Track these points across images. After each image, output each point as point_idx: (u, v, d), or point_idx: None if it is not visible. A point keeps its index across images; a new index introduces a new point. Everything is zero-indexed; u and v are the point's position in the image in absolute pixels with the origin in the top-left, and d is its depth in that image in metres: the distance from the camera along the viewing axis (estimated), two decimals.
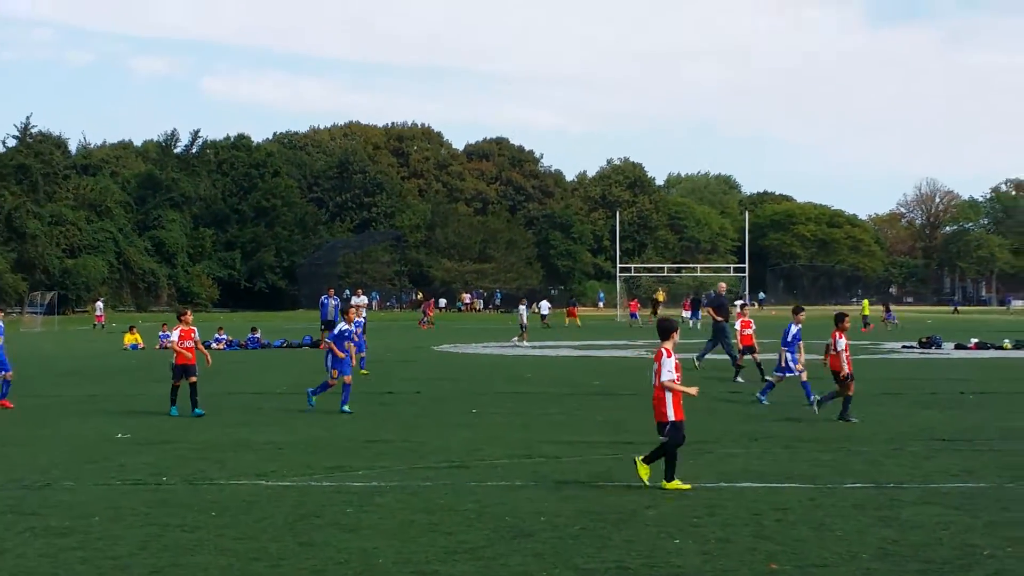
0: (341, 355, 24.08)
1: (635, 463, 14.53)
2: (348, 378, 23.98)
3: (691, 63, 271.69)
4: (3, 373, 25.19)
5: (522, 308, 58.63)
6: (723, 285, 38.79)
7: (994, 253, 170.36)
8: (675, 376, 14.55)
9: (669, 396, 14.50)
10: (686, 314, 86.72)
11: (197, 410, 23.16)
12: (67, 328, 79.25)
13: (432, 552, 11.09)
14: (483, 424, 21.62)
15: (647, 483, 14.39)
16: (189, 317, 24.29)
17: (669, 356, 14.57)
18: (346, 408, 23.36)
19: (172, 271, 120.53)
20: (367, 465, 16.45)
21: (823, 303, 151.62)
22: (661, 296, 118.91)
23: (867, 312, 76.73)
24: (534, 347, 50.43)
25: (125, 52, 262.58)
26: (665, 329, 15.21)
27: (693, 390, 14.80)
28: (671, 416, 14.47)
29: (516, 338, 54.17)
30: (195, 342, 23.92)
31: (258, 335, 52.15)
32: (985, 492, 14.40)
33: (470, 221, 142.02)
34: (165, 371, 36.09)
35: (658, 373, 14.51)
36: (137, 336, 52.80)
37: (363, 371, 33.36)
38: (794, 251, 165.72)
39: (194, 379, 23.48)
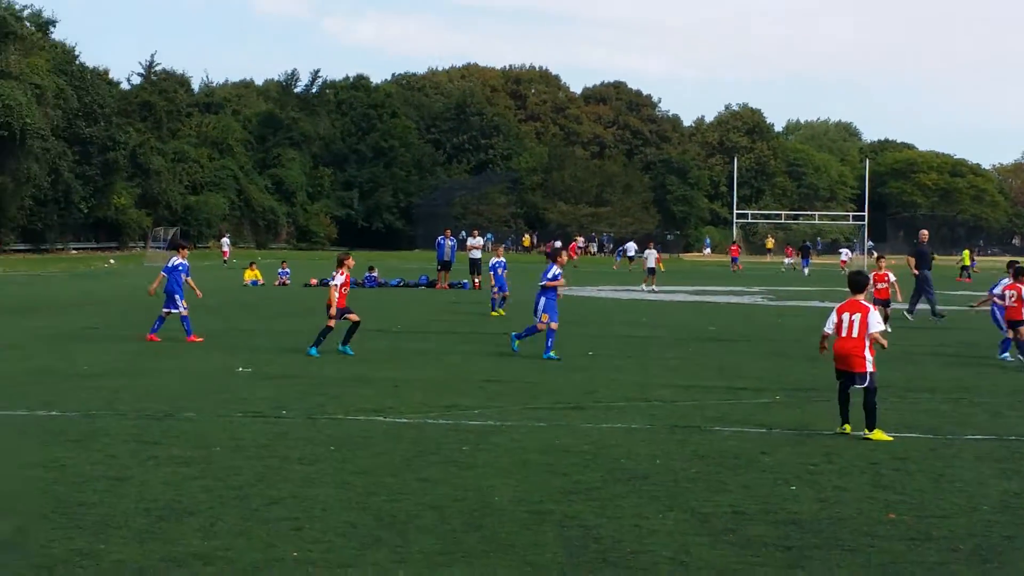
0: (560, 291, 23.45)
1: (868, 438, 14.23)
2: (555, 324, 23.10)
3: (812, 10, 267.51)
4: (175, 311, 25.66)
5: (648, 252, 57.65)
6: (925, 232, 37.55)
7: None
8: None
9: (867, 347, 14.48)
10: (788, 260, 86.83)
11: (347, 348, 23.08)
12: (189, 263, 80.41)
13: (547, 492, 11.14)
14: (599, 366, 21.62)
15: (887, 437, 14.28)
16: (351, 262, 23.94)
17: (875, 309, 14.81)
18: (552, 355, 22.63)
19: (291, 209, 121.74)
20: (482, 404, 16.55)
21: (944, 253, 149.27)
22: (770, 243, 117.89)
23: (967, 263, 75.62)
24: (651, 291, 50.21)
25: None
26: (859, 283, 15.21)
27: (886, 342, 15.18)
28: (870, 367, 14.43)
29: (644, 284, 53.30)
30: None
31: (375, 274, 52.50)
32: None
33: (587, 164, 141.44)
34: (284, 307, 36.71)
35: (864, 325, 14.42)
36: (257, 272, 53.46)
37: (499, 311, 33.55)
38: (915, 200, 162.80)
39: (356, 317, 23.28)
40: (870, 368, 14.39)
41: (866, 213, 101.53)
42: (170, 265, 26.15)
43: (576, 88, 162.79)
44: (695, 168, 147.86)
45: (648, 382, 19.36)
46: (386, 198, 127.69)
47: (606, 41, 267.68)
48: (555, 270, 23.63)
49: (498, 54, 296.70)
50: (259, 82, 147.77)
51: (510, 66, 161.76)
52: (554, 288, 23.37)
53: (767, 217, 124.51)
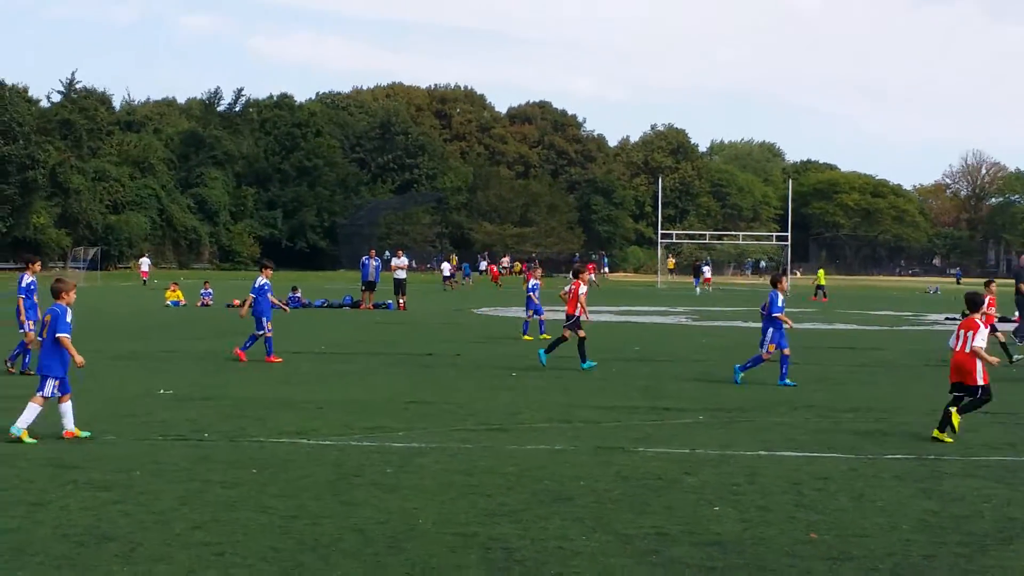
0: (789, 324, 22.91)
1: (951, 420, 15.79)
2: (787, 351, 22.71)
3: (737, 32, 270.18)
4: (262, 332, 25.96)
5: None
6: None
7: None
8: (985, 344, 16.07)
9: (979, 361, 15.73)
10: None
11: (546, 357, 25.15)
12: (109, 284, 79.73)
13: (472, 514, 11.11)
14: (523, 387, 21.63)
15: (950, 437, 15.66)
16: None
17: (987, 326, 16.20)
18: (787, 382, 22.27)
19: (214, 229, 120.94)
20: (407, 426, 16.48)
21: (865, 274, 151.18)
22: (671, 264, 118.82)
23: (822, 282, 75.90)
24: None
25: (172, 9, 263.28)
26: (975, 302, 16.47)
27: (995, 360, 16.34)
28: (981, 380, 15.73)
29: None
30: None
31: (298, 294, 52.28)
32: None
33: (512, 184, 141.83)
34: (206, 328, 36.35)
35: (971, 340, 15.78)
36: (179, 293, 53.06)
37: (543, 335, 33.26)
38: (837, 220, 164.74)
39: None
40: (981, 381, 15.81)
41: (789, 233, 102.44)
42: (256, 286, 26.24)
43: (501, 108, 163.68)
44: (620, 188, 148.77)
45: (572, 403, 19.36)
46: (310, 218, 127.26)
47: (532, 61, 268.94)
48: (781, 299, 23.20)
49: (423, 73, 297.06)
50: (181, 100, 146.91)
51: (435, 85, 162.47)
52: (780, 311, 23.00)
53: (691, 237, 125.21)
